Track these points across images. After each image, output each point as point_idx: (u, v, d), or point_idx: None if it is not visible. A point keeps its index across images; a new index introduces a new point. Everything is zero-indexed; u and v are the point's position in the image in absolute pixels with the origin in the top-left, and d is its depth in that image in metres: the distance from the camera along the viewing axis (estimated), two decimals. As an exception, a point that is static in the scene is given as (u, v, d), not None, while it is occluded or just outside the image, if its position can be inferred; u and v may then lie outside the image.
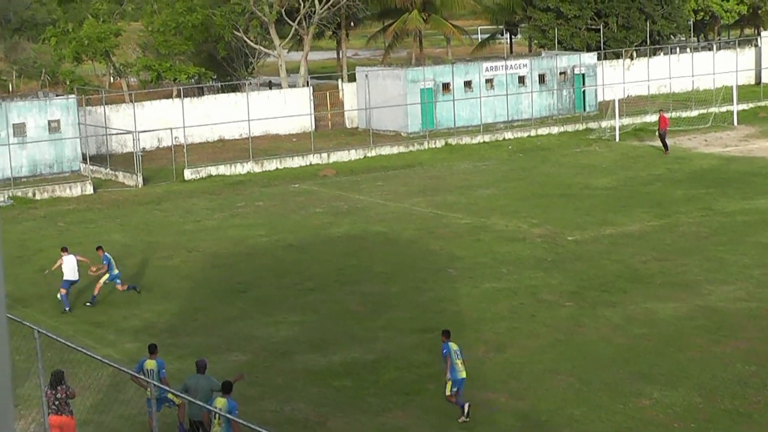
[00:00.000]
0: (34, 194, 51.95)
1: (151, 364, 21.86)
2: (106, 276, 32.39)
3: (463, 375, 22.41)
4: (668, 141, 56.67)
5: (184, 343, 27.68)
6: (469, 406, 22.28)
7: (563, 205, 43.66)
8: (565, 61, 71.32)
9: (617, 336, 27.05)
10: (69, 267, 32.03)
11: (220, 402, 19.69)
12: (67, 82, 77.65)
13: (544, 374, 24.51)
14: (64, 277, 31.94)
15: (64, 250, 33.03)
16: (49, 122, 56.58)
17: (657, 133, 57.47)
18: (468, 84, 67.68)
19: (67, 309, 31.74)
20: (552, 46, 79.26)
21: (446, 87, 66.90)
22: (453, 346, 22.69)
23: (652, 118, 65.85)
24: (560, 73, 70.68)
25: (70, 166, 56.97)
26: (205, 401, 19.78)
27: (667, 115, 58.67)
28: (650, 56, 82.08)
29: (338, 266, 35.18)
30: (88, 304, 32.20)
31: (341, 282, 33.25)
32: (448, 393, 22.49)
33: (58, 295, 32.14)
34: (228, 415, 18.50)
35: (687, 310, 29.01)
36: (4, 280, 1.69)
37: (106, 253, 32.86)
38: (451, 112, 66.49)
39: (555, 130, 66.15)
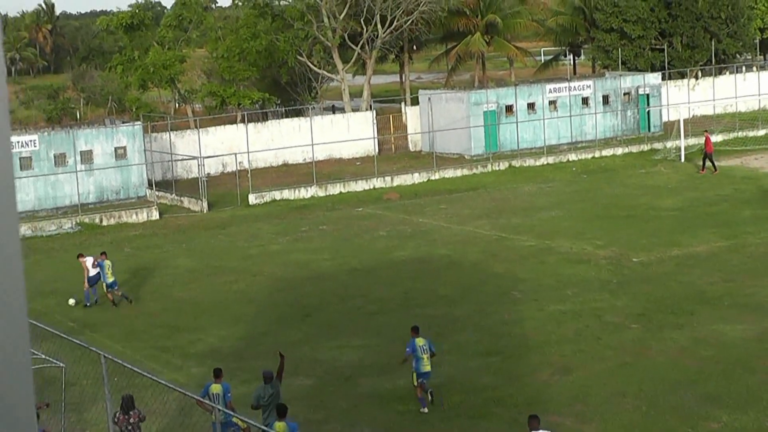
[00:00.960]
0: (101, 220, 52.52)
1: (216, 388, 21.94)
2: (104, 284, 35.52)
3: (428, 369, 24.18)
4: (733, 161, 56.07)
5: (250, 367, 27.75)
6: (432, 392, 24.11)
7: (628, 226, 43.29)
8: (629, 81, 70.88)
9: (685, 358, 26.72)
10: (90, 266, 35.72)
11: (280, 426, 19.75)
12: (134, 109, 78.59)
13: (611, 397, 24.26)
14: (90, 275, 35.57)
15: (81, 255, 36.88)
16: (116, 149, 57.22)
17: (702, 154, 56.94)
18: (531, 106, 67.46)
19: (87, 303, 35.78)
20: (616, 67, 78.83)
21: (509, 109, 66.73)
22: (419, 341, 24.38)
23: (718, 138, 65.26)
24: (624, 94, 70.25)
25: (136, 192, 57.53)
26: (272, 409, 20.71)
27: (712, 137, 58.10)
28: (715, 75, 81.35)
29: (402, 289, 35.13)
30: (87, 304, 35.86)
31: (405, 305, 33.19)
32: (414, 384, 24.31)
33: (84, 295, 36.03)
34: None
35: (756, 332, 28.59)
36: (25, 301, 1.70)
37: (104, 260, 35.67)
38: (514, 134, 66.30)
39: (619, 151, 65.71)
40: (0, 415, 1.90)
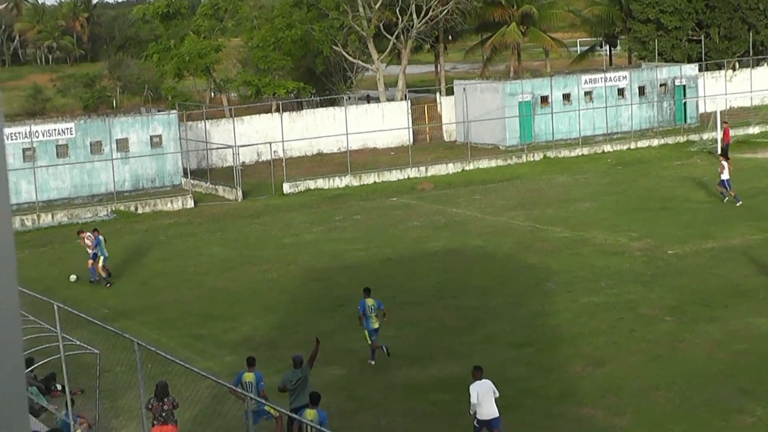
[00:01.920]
0: (136, 208, 52.79)
1: (249, 376, 22.04)
2: (102, 258, 37.48)
3: (376, 326, 26.90)
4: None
5: (282, 357, 27.80)
6: (387, 348, 26.69)
7: (663, 218, 43.07)
8: (666, 72, 70.47)
9: (718, 351, 26.58)
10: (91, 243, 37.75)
11: (311, 414, 19.83)
12: (169, 98, 78.89)
13: (644, 390, 24.16)
14: (91, 251, 37.65)
15: (81, 231, 39.39)
16: (151, 137, 57.48)
17: (721, 146, 56.35)
18: (567, 97, 67.21)
19: (92, 279, 37.82)
20: (652, 58, 78.38)
21: (545, 100, 66.52)
22: (369, 302, 26.99)
23: (755, 129, 64.81)
24: (660, 85, 69.85)
25: (171, 181, 57.78)
26: (305, 394, 21.10)
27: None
28: (753, 67, 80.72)
29: (436, 280, 35.12)
30: (108, 285, 37.26)
31: (439, 296, 33.19)
32: (369, 342, 26.94)
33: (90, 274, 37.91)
34: (319, 427, 18.60)
35: (791, 325, 28.39)
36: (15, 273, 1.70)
37: (99, 236, 38.00)
38: (549, 125, 66.08)
39: (655, 142, 65.37)
40: None
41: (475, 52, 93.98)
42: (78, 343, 22.06)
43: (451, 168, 59.81)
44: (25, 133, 54.11)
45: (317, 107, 76.17)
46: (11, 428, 1.94)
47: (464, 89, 68.46)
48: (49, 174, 54.48)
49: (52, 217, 51.04)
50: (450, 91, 74.42)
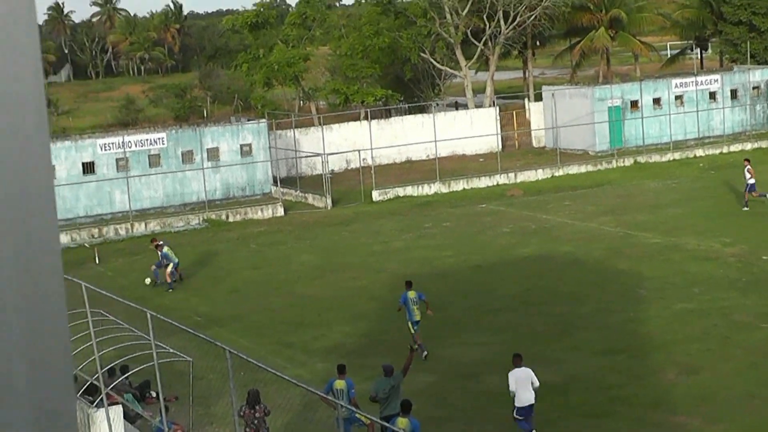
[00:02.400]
0: (227, 217, 53.28)
1: (340, 384, 22.07)
2: (171, 265, 39.32)
3: (418, 317, 28.15)
4: None
5: (373, 364, 27.81)
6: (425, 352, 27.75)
7: (758, 223, 42.34)
8: (759, 75, 69.38)
9: (816, 359, 26.05)
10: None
11: (403, 422, 19.80)
12: (259, 107, 79.48)
13: (740, 398, 23.76)
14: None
15: (154, 240, 41.38)
16: (242, 146, 58.00)
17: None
18: (657, 101, 66.52)
19: (158, 281, 39.61)
20: (744, 60, 77.18)
21: (634, 104, 65.90)
22: (411, 294, 28.28)
23: None
24: (753, 88, 68.79)
25: (261, 189, 58.24)
26: (397, 402, 21.13)
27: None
28: None
29: (525, 287, 34.93)
30: (170, 290, 38.80)
31: (528, 303, 33.00)
32: (412, 332, 28.15)
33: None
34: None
35: None
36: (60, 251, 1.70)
37: (164, 250, 39.59)
38: (639, 129, 65.42)
39: (748, 146, 64.36)
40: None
41: (563, 58, 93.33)
42: (171, 350, 22.30)
43: (540, 174, 59.49)
44: (119, 144, 54.93)
45: (405, 114, 76.22)
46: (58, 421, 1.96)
47: (553, 95, 68.08)
48: (141, 183, 55.23)
49: (145, 226, 51.72)
50: (538, 97, 74.04)
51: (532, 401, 22.04)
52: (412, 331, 28.28)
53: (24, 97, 1.85)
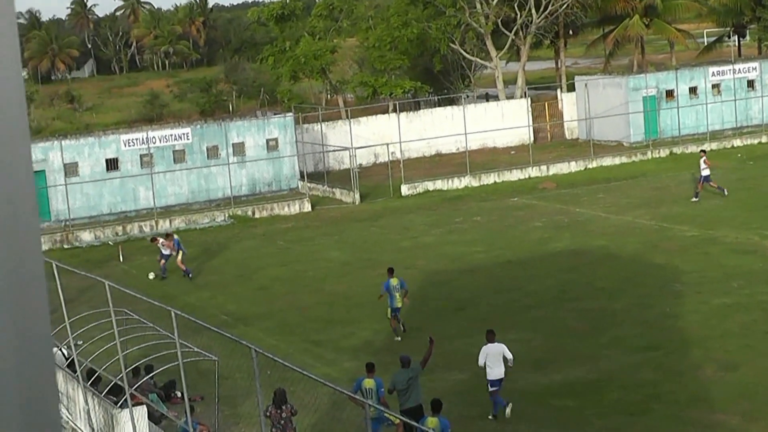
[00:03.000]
0: (253, 213, 53.41)
1: (369, 383, 22.04)
2: (181, 254, 40.59)
3: (399, 304, 29.82)
4: None
5: (402, 362, 27.85)
6: (404, 324, 30.14)
7: (798, 215, 42.07)
8: (798, 62, 68.88)
9: None
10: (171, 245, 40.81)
11: (433, 422, 19.77)
12: (285, 101, 79.60)
13: (780, 395, 23.60)
14: (164, 253, 40.75)
15: (155, 239, 42.24)
16: (268, 141, 58.11)
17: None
18: (693, 90, 66.17)
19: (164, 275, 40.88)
20: (783, 48, 76.66)
21: (670, 94, 65.57)
22: (393, 281, 29.86)
23: None
24: (793, 76, 68.29)
25: (288, 184, 58.33)
26: (417, 394, 21.69)
27: None
28: None
29: (558, 282, 34.84)
30: (190, 276, 40.39)
31: (562, 298, 32.91)
32: (389, 317, 30.10)
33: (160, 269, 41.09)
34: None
35: None
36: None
37: (176, 237, 41.38)
38: (675, 119, 65.11)
39: (788, 135, 63.95)
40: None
41: (596, 47, 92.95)
42: (196, 350, 22.35)
43: (573, 166, 59.31)
44: (143, 139, 55.14)
45: (435, 107, 76.19)
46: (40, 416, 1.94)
47: (586, 85, 67.84)
48: (166, 180, 55.41)
49: (170, 223, 51.88)
50: (571, 88, 73.81)
51: (503, 376, 23.73)
52: (389, 316, 30.18)
53: (3, 95, 1.83)
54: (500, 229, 44.64)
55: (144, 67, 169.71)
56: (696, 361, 25.88)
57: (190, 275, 40.53)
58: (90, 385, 23.14)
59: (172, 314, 19.35)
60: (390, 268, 31.16)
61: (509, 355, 23.69)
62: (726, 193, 46.70)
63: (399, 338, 29.87)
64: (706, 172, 46.74)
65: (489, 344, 23.97)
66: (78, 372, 23.14)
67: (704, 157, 47.39)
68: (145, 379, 23.88)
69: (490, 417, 23.84)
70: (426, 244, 43.18)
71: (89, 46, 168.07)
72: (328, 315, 33.51)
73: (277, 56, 79.31)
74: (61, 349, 25.95)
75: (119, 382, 22.42)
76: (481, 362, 23.82)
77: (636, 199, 48.60)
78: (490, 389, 23.75)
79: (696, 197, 46.60)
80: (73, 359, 23.61)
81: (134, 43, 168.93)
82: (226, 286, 39.01)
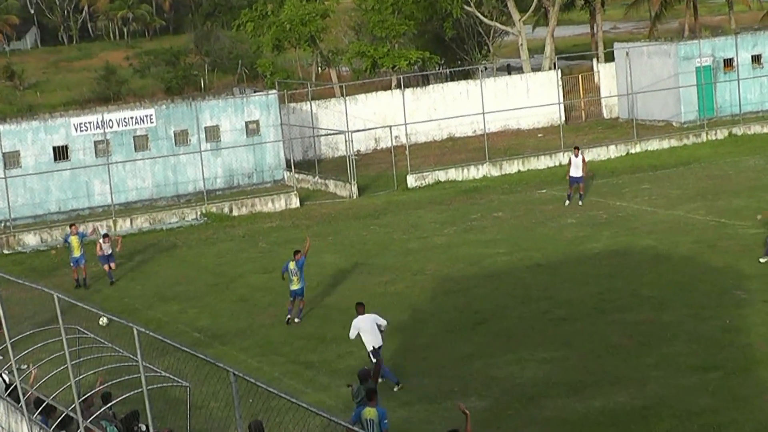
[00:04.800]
0: (230, 210, 53.41)
1: (370, 413, 22.02)
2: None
3: (295, 287, 34.05)
4: None
5: (411, 387, 27.86)
6: (301, 312, 34.50)
7: None
8: None
9: None
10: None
11: (370, 412, 20.99)
12: (267, 75, 79.59)
13: None
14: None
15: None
16: (247, 124, 58.15)
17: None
18: (757, 59, 66.24)
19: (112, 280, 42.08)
20: None
21: (728, 63, 65.61)
22: (291, 265, 33.99)
23: None
24: None
25: (272, 176, 58.37)
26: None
27: None
28: None
29: (597, 290, 34.84)
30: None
31: (601, 309, 32.90)
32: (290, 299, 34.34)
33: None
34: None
35: None
36: None
37: (80, 231, 43.26)
38: (735, 94, 65.11)
39: None
40: None
41: (639, 8, 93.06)
42: (164, 374, 22.32)
43: (612, 151, 59.33)
44: (97, 123, 55.17)
45: (446, 81, 76.18)
46: None
47: (627, 54, 67.84)
48: (126, 171, 55.44)
49: (131, 223, 51.92)
50: (610, 57, 73.80)
51: (380, 343, 27.99)
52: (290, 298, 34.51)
53: None
54: (526, 227, 44.65)
55: (98, 36, 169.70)
56: (762, 384, 25.87)
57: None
58: (37, 416, 23.11)
59: (135, 332, 19.31)
60: (297, 250, 34.90)
61: (382, 322, 28.24)
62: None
63: (298, 321, 34.45)
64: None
65: (359, 317, 28.18)
66: (22, 402, 23.12)
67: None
68: (102, 409, 23.86)
69: (395, 389, 27.49)
70: (438, 245, 43.19)
71: (32, 11, 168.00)
72: (321, 331, 33.49)
73: (258, 22, 79.34)
74: (1, 375, 25.94)
75: (71, 413, 22.41)
76: (352, 335, 28.28)
77: (689, 190, 48.61)
78: (373, 360, 27.73)
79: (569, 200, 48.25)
80: (15, 386, 23.59)
81: (86, 8, 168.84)
82: (199, 298, 39.00)
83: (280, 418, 22.10)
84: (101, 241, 42.35)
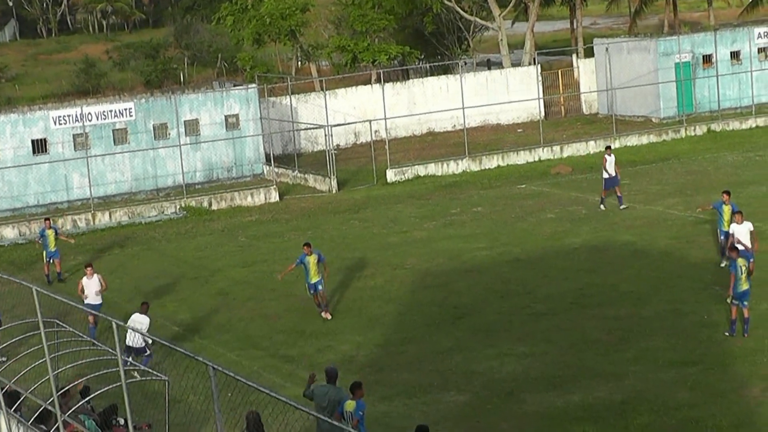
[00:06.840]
0: (210, 203, 53.32)
1: (351, 405, 21.99)
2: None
3: (314, 279, 33.73)
4: None
5: (390, 381, 27.84)
6: (327, 305, 34.12)
7: None
8: None
9: None
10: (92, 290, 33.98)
11: (350, 405, 21.19)
12: (247, 69, 79.49)
13: (841, 418, 23.70)
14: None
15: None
16: (227, 117, 58.05)
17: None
18: (736, 55, 66.33)
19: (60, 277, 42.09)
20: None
21: (707, 60, 65.71)
22: (311, 258, 33.81)
23: None
24: None
25: (251, 170, 58.29)
26: (332, 414, 21.81)
27: None
28: None
29: (576, 285, 34.88)
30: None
31: (580, 304, 32.94)
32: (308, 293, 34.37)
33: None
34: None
35: None
36: None
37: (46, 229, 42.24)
38: (714, 91, 65.22)
39: None
40: None
41: (619, 4, 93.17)
42: (142, 367, 22.28)
43: (592, 147, 59.39)
44: (76, 116, 55.00)
45: (426, 76, 76.15)
46: None
47: (607, 49, 67.91)
48: (105, 165, 55.31)
49: (110, 217, 51.78)
50: (589, 53, 73.88)
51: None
52: (308, 293, 34.44)
53: None
54: (506, 222, 44.69)
55: (77, 29, 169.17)
56: (740, 379, 25.92)
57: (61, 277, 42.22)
58: (14, 410, 23.04)
59: (114, 326, 19.26)
60: (307, 243, 34.79)
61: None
62: None
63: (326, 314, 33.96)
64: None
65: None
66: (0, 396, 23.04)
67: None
68: (81, 403, 23.79)
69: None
70: (417, 239, 43.19)
71: (10, 3, 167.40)
72: (300, 325, 33.47)
73: (238, 15, 79.22)
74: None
75: (49, 407, 22.34)
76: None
77: (668, 186, 48.71)
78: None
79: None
80: (-6, 380, 23.50)
81: (65, 1, 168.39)
82: (178, 292, 38.93)
83: (260, 412, 22.10)
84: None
